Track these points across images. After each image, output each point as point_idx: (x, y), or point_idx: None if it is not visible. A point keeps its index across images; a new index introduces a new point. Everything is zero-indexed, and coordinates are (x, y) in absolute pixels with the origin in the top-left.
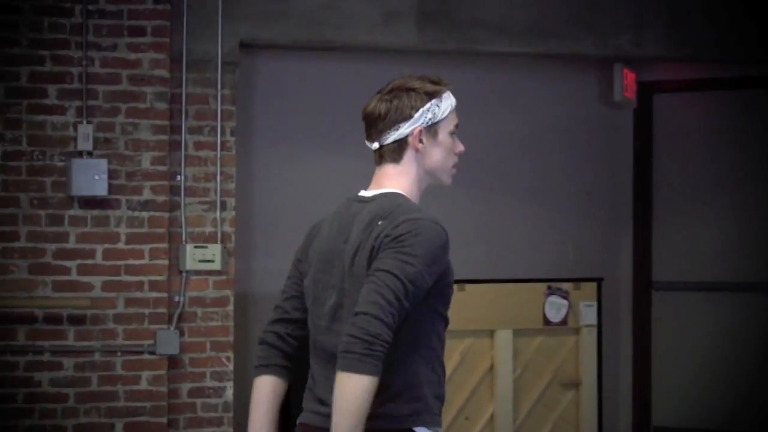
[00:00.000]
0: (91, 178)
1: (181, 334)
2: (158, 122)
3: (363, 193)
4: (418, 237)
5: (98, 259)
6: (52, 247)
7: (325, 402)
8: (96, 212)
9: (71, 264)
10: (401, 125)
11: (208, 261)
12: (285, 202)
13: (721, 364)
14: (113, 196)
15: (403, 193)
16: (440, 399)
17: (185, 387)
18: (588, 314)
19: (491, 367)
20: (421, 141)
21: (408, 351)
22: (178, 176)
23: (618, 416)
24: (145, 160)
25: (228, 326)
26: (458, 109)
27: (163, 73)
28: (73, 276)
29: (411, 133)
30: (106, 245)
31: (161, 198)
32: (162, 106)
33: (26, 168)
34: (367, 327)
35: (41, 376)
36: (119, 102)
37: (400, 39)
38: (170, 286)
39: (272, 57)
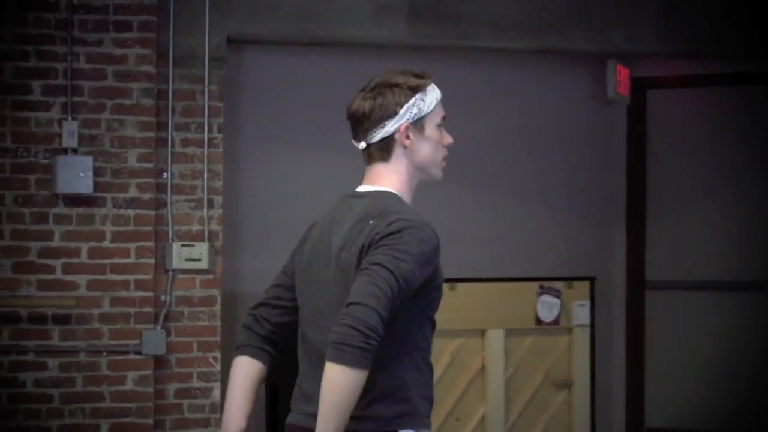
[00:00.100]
0: (76, 175)
1: (168, 333)
2: (144, 119)
3: (358, 189)
4: (412, 236)
5: (83, 257)
6: (36, 245)
7: (312, 399)
8: (81, 210)
9: (56, 263)
10: (387, 123)
11: (195, 260)
12: (273, 200)
13: (715, 364)
14: (99, 194)
15: (395, 192)
16: (428, 400)
17: (172, 387)
18: (581, 314)
19: (482, 368)
20: (408, 137)
21: (395, 352)
22: (165, 173)
23: (611, 417)
24: (131, 157)
25: (215, 326)
26: (449, 105)
27: (150, 68)
28: (58, 275)
29: (398, 130)
30: (92, 244)
31: (147, 196)
32: (148, 102)
33: (10, 165)
34: (365, 318)
35: (25, 376)
36: (105, 98)
37: (390, 34)
38: (156, 285)
39: (260, 52)
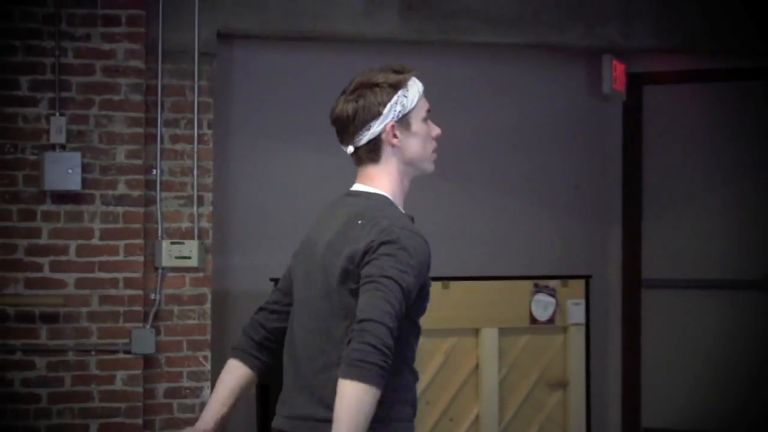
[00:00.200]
0: (64, 172)
1: (157, 332)
2: (133, 114)
3: (352, 187)
4: (410, 246)
5: (72, 255)
6: (24, 243)
7: (287, 402)
8: (69, 207)
9: (44, 260)
10: (372, 124)
11: (185, 257)
12: (264, 197)
13: (712, 364)
14: (87, 191)
15: (386, 195)
16: (410, 404)
17: (161, 387)
18: (576, 312)
19: (476, 367)
20: (395, 136)
21: None
22: (154, 170)
23: (607, 417)
24: (120, 154)
25: (205, 325)
26: (441, 101)
27: (139, 63)
28: (46, 273)
29: (384, 130)
30: (80, 241)
31: (136, 193)
32: (137, 97)
33: None
34: (383, 337)
35: (13, 375)
36: (93, 94)
37: (382, 29)
38: (146, 283)
39: (251, 47)
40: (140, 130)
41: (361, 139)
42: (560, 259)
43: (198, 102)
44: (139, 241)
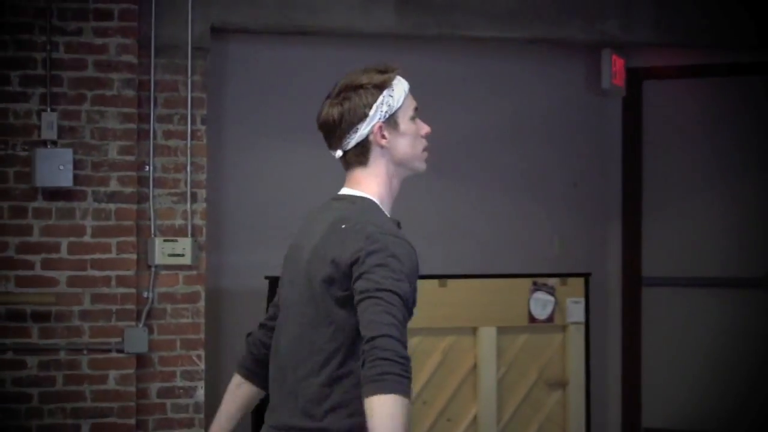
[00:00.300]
0: (56, 168)
1: (150, 331)
2: (126, 110)
3: (340, 191)
4: (398, 254)
5: (63, 253)
6: (14, 240)
7: (276, 409)
8: (61, 204)
9: (35, 258)
10: (359, 126)
11: (178, 255)
12: (258, 194)
13: (713, 363)
14: (79, 188)
15: (373, 198)
16: None
17: (154, 387)
18: (575, 311)
19: (474, 366)
20: (383, 136)
21: (357, 365)
22: (147, 167)
23: (606, 417)
24: (112, 150)
25: (199, 323)
26: (437, 97)
27: (131, 58)
28: (37, 271)
29: (371, 132)
30: (72, 239)
31: (129, 189)
32: (129, 93)
33: None
34: (396, 349)
35: (4, 375)
36: (85, 89)
37: (378, 23)
38: (138, 281)
39: (245, 42)
40: (133, 125)
41: (349, 143)
42: (559, 256)
43: (191, 97)
44: (132, 239)
